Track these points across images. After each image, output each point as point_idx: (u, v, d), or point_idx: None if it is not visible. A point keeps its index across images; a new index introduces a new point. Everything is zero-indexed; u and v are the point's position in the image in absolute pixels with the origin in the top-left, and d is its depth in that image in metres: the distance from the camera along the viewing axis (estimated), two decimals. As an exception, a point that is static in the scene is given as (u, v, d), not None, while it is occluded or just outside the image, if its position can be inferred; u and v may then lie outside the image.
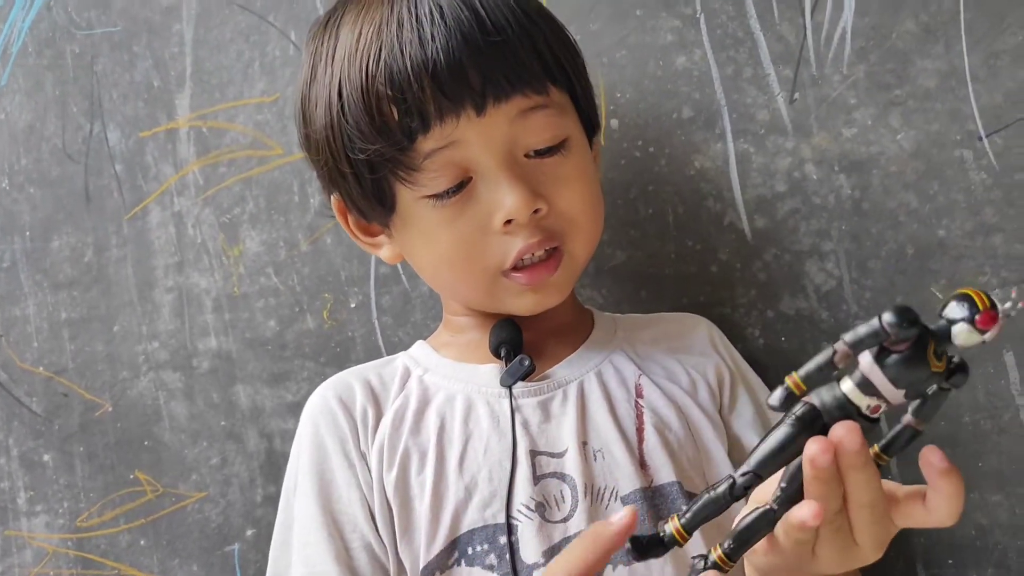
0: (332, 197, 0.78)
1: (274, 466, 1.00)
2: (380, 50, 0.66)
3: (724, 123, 0.87)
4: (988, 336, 0.46)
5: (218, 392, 1.03)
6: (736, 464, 0.74)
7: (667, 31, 0.88)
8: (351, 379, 0.78)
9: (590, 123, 0.76)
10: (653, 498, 0.69)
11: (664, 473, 0.70)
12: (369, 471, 0.72)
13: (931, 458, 0.48)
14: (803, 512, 0.49)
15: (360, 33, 0.68)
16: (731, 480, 0.52)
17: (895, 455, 0.53)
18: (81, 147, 1.07)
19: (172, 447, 1.04)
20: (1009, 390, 0.79)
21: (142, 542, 1.05)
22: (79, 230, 1.07)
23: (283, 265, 1.01)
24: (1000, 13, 0.79)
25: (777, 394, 0.49)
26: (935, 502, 0.50)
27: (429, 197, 0.69)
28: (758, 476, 0.52)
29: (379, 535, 0.70)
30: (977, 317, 0.45)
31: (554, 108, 0.69)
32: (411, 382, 0.77)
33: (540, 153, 0.69)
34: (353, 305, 0.99)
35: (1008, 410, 0.79)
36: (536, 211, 0.68)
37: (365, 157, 0.68)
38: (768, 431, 0.52)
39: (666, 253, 0.88)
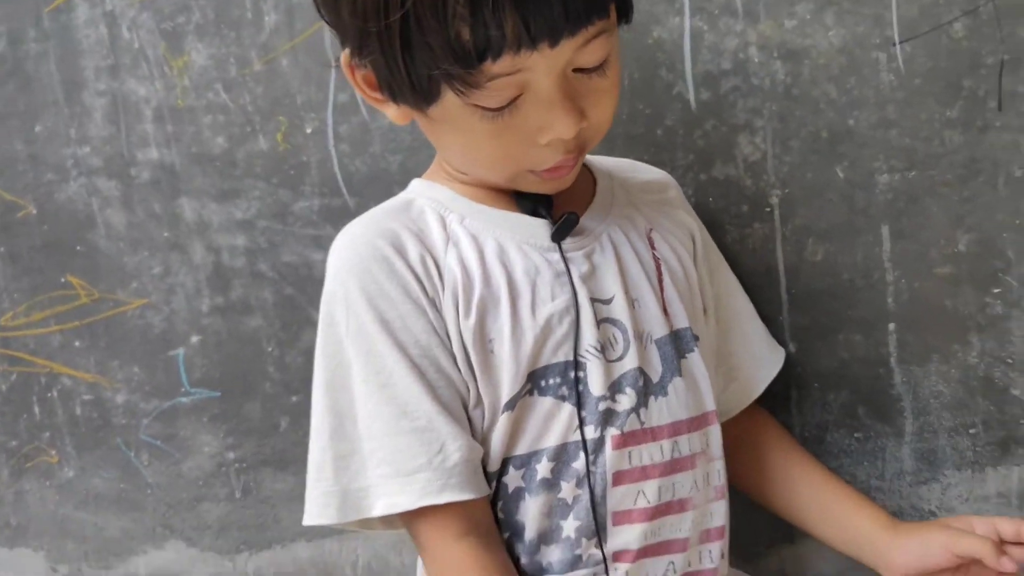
0: (346, 53, 0.73)
1: (222, 279, 1.04)
2: None
3: None
4: None
5: (160, 203, 1.04)
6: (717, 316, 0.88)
7: (647, -96, 0.93)
8: (391, 225, 0.76)
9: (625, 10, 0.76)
10: (675, 341, 0.80)
11: (680, 319, 0.80)
12: (442, 317, 0.74)
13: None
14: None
15: None
16: None
17: None
18: (2, -71, 0.98)
19: (109, 254, 1.05)
20: (881, 256, 0.97)
21: (76, 343, 1.07)
22: (-6, 19, 1.00)
23: (234, 82, 1.01)
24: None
25: None
26: None
27: (479, 107, 0.68)
28: None
29: (461, 375, 0.74)
30: None
31: (610, 29, 0.70)
32: (453, 228, 0.77)
33: (586, 69, 0.70)
34: (309, 131, 1.01)
35: (877, 271, 0.98)
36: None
37: (428, 73, 0.66)
38: None
39: (619, 114, 0.98)
